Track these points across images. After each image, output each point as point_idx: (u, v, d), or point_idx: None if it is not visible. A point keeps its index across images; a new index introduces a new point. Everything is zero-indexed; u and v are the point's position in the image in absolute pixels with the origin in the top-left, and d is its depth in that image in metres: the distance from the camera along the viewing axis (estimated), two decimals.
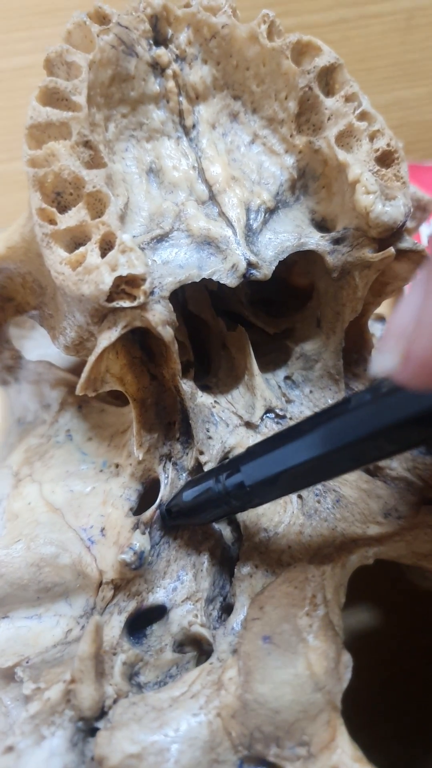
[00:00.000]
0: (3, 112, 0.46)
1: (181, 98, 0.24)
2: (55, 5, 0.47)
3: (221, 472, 0.21)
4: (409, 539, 0.21)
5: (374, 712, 0.27)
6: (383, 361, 0.17)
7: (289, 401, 0.25)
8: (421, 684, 0.28)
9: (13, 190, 0.47)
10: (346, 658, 0.19)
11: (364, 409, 0.18)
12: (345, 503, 0.23)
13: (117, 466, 0.24)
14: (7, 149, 0.47)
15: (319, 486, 0.23)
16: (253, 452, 0.20)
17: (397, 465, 0.24)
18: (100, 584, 0.22)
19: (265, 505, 0.23)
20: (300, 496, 0.23)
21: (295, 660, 0.18)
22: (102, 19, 0.22)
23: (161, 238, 0.22)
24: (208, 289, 0.26)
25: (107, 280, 0.19)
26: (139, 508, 0.23)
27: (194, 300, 0.26)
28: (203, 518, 0.22)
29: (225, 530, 0.23)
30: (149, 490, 0.24)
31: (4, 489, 0.26)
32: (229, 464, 0.21)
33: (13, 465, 0.26)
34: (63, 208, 0.21)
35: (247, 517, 0.23)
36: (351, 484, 0.24)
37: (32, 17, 0.47)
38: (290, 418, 0.25)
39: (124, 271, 0.19)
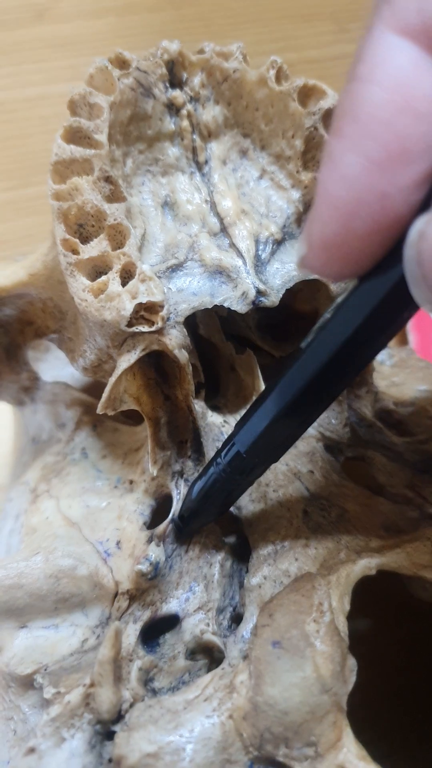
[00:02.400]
0: (15, 140, 0.48)
1: (194, 136, 0.25)
2: (65, 39, 0.49)
3: (219, 455, 0.22)
4: (410, 551, 0.22)
5: (376, 727, 0.28)
6: (299, 251, 0.17)
7: None
8: (423, 696, 0.29)
9: (24, 215, 0.48)
10: (351, 662, 0.20)
11: (317, 342, 0.19)
12: (348, 517, 0.24)
13: (131, 482, 0.26)
14: (18, 176, 0.48)
15: (323, 501, 0.25)
16: (240, 423, 0.22)
17: (397, 482, 0.26)
18: (116, 595, 0.23)
19: (272, 520, 0.24)
20: (306, 511, 0.24)
21: (304, 664, 0.19)
22: (122, 63, 0.24)
23: (176, 268, 0.24)
24: (218, 314, 0.28)
25: (128, 307, 0.21)
26: (153, 523, 0.25)
27: (205, 324, 0.28)
28: (214, 509, 0.23)
29: (234, 544, 0.25)
30: (162, 505, 0.25)
31: (22, 504, 0.27)
32: (224, 445, 0.22)
33: (30, 481, 0.27)
34: (85, 239, 0.22)
35: (255, 531, 0.24)
36: (354, 499, 0.25)
37: (44, 50, 0.49)
38: None
39: (143, 299, 0.21)
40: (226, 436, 0.25)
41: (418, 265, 0.15)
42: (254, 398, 0.25)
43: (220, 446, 0.23)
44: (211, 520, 0.24)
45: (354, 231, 0.16)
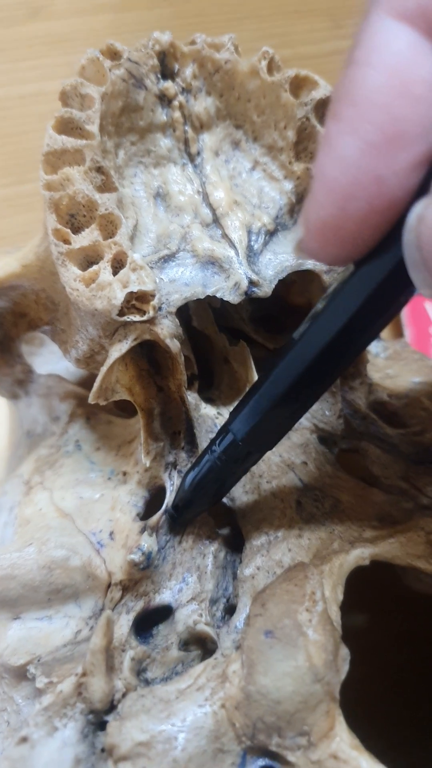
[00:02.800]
0: (11, 137, 0.48)
1: (186, 127, 0.25)
2: (61, 36, 0.49)
3: (213, 443, 0.22)
4: (403, 541, 0.22)
5: (372, 724, 0.28)
6: (296, 234, 0.18)
7: None
8: (420, 691, 0.29)
9: (21, 211, 0.48)
10: (344, 652, 0.20)
11: (314, 327, 0.19)
12: (342, 508, 0.24)
13: (124, 474, 0.26)
14: (14, 173, 0.49)
15: (317, 492, 0.25)
16: (235, 411, 0.22)
17: (391, 473, 0.26)
18: (109, 585, 0.23)
19: (266, 511, 0.24)
20: (299, 502, 0.24)
21: (296, 653, 0.19)
22: (113, 54, 0.24)
23: (168, 258, 0.24)
24: (211, 306, 0.28)
25: (119, 296, 0.21)
26: (146, 514, 0.25)
27: (198, 317, 0.28)
28: (208, 498, 0.23)
29: (228, 535, 0.25)
30: (155, 496, 0.25)
31: (16, 496, 0.27)
32: (218, 433, 0.22)
33: (24, 474, 0.27)
34: (76, 229, 0.22)
35: (248, 522, 0.24)
36: (348, 490, 0.25)
37: (39, 47, 0.49)
38: None
39: (134, 288, 0.21)
40: (219, 428, 0.25)
41: (418, 249, 0.16)
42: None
43: (213, 437, 0.23)
44: (204, 510, 0.24)
45: (350, 214, 0.16)
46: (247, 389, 0.26)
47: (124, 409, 0.29)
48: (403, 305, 0.19)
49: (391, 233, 0.16)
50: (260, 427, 0.21)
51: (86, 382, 0.31)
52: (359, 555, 0.22)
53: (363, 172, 0.15)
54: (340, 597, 0.21)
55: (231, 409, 0.26)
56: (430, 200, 0.15)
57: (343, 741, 0.19)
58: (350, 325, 0.18)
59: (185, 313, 0.28)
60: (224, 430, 0.22)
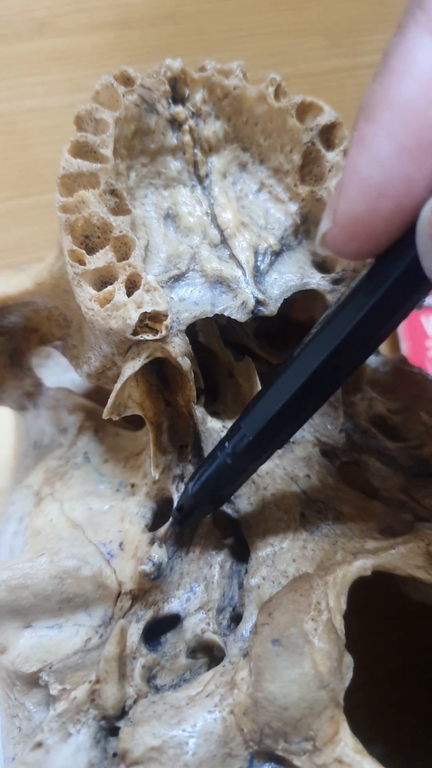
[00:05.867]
0: (15, 151, 0.49)
1: (195, 150, 0.26)
2: (65, 53, 0.50)
3: (223, 444, 0.23)
4: (404, 552, 0.23)
5: (375, 728, 0.28)
6: (321, 227, 0.19)
7: None
8: (421, 697, 0.30)
9: (24, 224, 0.49)
10: (348, 659, 0.21)
11: (328, 328, 0.20)
12: (344, 520, 0.25)
13: (132, 485, 0.26)
14: (18, 186, 0.49)
15: (320, 504, 0.25)
16: (246, 410, 0.22)
17: (391, 486, 0.26)
18: (119, 595, 0.24)
19: (270, 522, 0.25)
20: (303, 514, 0.25)
21: (302, 660, 0.20)
22: (126, 80, 0.25)
23: (178, 278, 0.24)
24: (217, 323, 0.29)
25: (134, 316, 0.22)
26: (154, 525, 0.25)
27: (204, 332, 0.29)
28: (212, 501, 0.24)
29: (233, 546, 0.25)
30: (163, 508, 0.26)
31: (26, 507, 0.28)
32: (229, 433, 0.23)
33: (33, 485, 0.28)
34: (91, 250, 0.23)
35: (254, 533, 0.25)
36: (349, 502, 0.26)
37: (45, 63, 0.49)
38: (293, 441, 0.27)
39: (148, 308, 0.22)
40: (228, 430, 0.26)
41: (430, 237, 0.17)
42: None
43: (221, 439, 0.23)
44: (208, 512, 0.24)
45: (380, 210, 0.17)
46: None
47: (131, 422, 0.29)
48: (416, 304, 0.20)
49: (411, 231, 0.18)
50: (273, 426, 0.22)
51: (93, 395, 0.31)
52: (361, 566, 0.23)
53: (395, 172, 0.17)
54: (344, 606, 0.22)
55: None
56: None
57: (347, 745, 0.20)
58: (371, 316, 0.19)
59: (191, 328, 0.29)
60: (234, 428, 0.23)
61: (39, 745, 0.21)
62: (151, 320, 0.22)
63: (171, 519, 0.24)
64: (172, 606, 0.24)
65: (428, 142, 0.16)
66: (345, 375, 0.21)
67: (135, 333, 0.22)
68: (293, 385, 0.21)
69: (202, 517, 0.25)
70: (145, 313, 0.22)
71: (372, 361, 0.35)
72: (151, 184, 0.26)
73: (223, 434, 0.26)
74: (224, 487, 0.24)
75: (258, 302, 0.24)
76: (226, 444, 0.23)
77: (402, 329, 0.48)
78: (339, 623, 0.21)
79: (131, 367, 0.22)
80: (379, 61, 0.17)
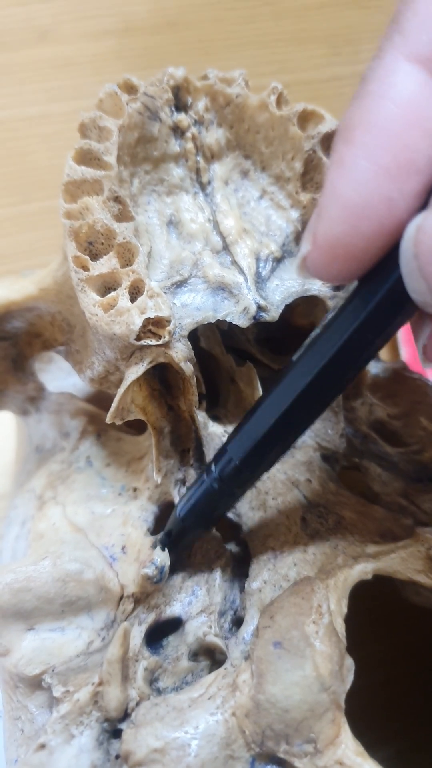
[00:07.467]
0: (17, 158, 0.49)
1: (198, 157, 0.27)
2: (66, 60, 0.50)
3: (209, 468, 0.23)
4: (404, 556, 0.23)
5: (375, 732, 0.28)
6: (302, 250, 0.18)
7: None
8: (422, 701, 0.30)
9: (25, 230, 0.49)
10: (349, 662, 0.21)
11: (311, 351, 0.20)
12: (345, 524, 0.25)
13: (135, 489, 0.27)
14: (20, 192, 0.49)
15: (321, 508, 0.26)
16: (232, 435, 0.22)
17: (391, 490, 0.27)
18: (121, 598, 0.24)
19: (272, 527, 0.25)
20: (304, 518, 0.25)
21: (304, 663, 0.20)
22: (130, 89, 0.25)
23: (181, 284, 0.25)
24: (218, 328, 0.29)
25: (137, 322, 0.22)
26: (156, 529, 0.25)
27: (206, 337, 0.29)
28: (202, 523, 0.24)
29: (235, 550, 0.26)
30: (164, 512, 0.26)
31: (29, 511, 0.28)
32: (215, 457, 0.23)
33: (36, 488, 0.28)
34: (94, 256, 0.24)
35: (255, 537, 0.25)
36: (350, 507, 0.26)
37: (45, 71, 0.50)
38: (294, 446, 0.27)
39: (152, 314, 0.22)
40: (216, 451, 0.26)
41: (415, 257, 0.17)
42: None
43: (209, 461, 0.23)
44: (200, 536, 0.24)
45: (360, 231, 0.17)
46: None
47: (133, 426, 0.29)
48: (400, 325, 0.20)
49: (392, 253, 0.18)
50: (259, 449, 0.22)
51: (95, 400, 0.32)
52: (362, 570, 0.23)
53: (376, 193, 0.17)
54: (345, 610, 0.22)
55: None
56: (429, 212, 0.17)
57: (348, 748, 0.20)
58: (355, 338, 0.19)
59: (193, 333, 0.29)
60: (221, 452, 0.23)
61: (42, 746, 0.21)
62: (154, 326, 0.22)
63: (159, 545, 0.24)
64: (174, 609, 0.24)
65: (407, 163, 0.16)
66: (326, 403, 0.21)
67: (138, 338, 0.22)
68: (277, 410, 0.21)
69: (194, 541, 0.25)
70: (149, 318, 0.22)
71: (372, 366, 0.35)
72: (154, 191, 0.26)
73: (224, 439, 0.26)
74: (212, 511, 0.24)
75: (260, 308, 0.25)
76: (213, 467, 0.23)
77: (401, 336, 0.49)
78: (340, 626, 0.21)
79: (134, 371, 0.23)
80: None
